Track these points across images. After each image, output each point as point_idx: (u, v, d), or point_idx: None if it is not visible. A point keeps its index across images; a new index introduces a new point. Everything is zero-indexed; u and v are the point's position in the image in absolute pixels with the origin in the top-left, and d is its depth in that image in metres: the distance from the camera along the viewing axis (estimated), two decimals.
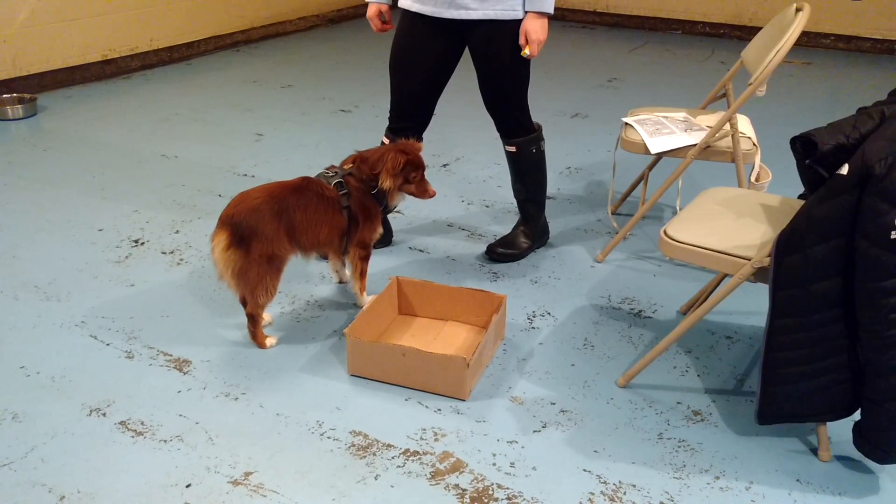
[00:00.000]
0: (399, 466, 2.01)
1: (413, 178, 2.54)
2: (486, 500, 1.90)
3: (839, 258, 1.82)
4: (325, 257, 2.83)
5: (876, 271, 1.76)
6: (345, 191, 2.47)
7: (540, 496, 1.92)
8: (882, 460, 1.92)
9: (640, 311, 2.72)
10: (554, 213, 3.43)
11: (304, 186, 2.43)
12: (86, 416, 2.16)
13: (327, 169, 2.55)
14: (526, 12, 2.59)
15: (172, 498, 1.89)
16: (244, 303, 2.47)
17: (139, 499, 1.89)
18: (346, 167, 2.54)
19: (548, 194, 3.53)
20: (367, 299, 2.69)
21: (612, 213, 3.47)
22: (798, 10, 2.64)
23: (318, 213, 2.42)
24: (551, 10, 2.58)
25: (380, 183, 2.48)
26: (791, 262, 1.87)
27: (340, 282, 2.87)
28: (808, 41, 6.56)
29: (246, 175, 3.80)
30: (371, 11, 2.81)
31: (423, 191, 2.57)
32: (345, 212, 2.47)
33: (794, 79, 5.61)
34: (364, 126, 4.53)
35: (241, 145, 4.21)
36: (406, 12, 2.74)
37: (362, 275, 2.66)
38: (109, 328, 2.57)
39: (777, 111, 4.84)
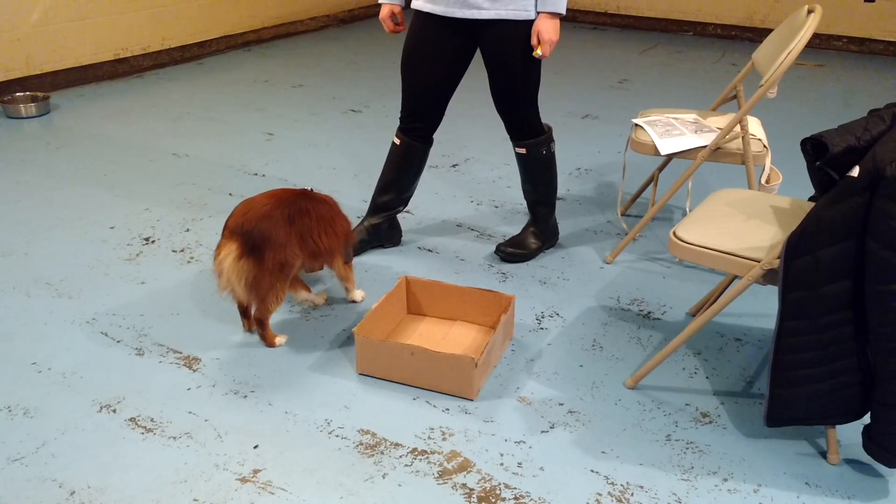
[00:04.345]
0: (407, 465, 2.01)
1: None
2: (493, 500, 1.91)
3: (849, 261, 1.81)
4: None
5: (886, 274, 1.75)
6: None
7: (547, 496, 1.92)
8: (891, 464, 1.91)
9: (650, 313, 2.71)
10: (564, 214, 3.43)
11: (308, 193, 2.47)
12: (96, 413, 2.18)
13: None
14: (538, 13, 2.60)
15: (181, 494, 1.90)
16: (244, 311, 2.49)
17: (148, 495, 1.90)
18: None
19: (558, 195, 3.54)
20: (360, 292, 2.75)
21: (622, 215, 3.46)
22: (810, 11, 2.63)
23: (330, 216, 2.46)
24: (564, 11, 2.58)
25: None
26: (801, 264, 1.87)
27: (315, 306, 2.74)
28: (820, 43, 6.54)
29: (256, 174, 3.81)
30: (384, 13, 2.81)
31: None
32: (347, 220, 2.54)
33: (806, 81, 5.59)
34: (374, 126, 4.54)
35: (251, 144, 4.22)
36: (418, 12, 2.74)
37: (352, 279, 2.70)
38: (120, 325, 2.58)
39: (789, 113, 4.82)
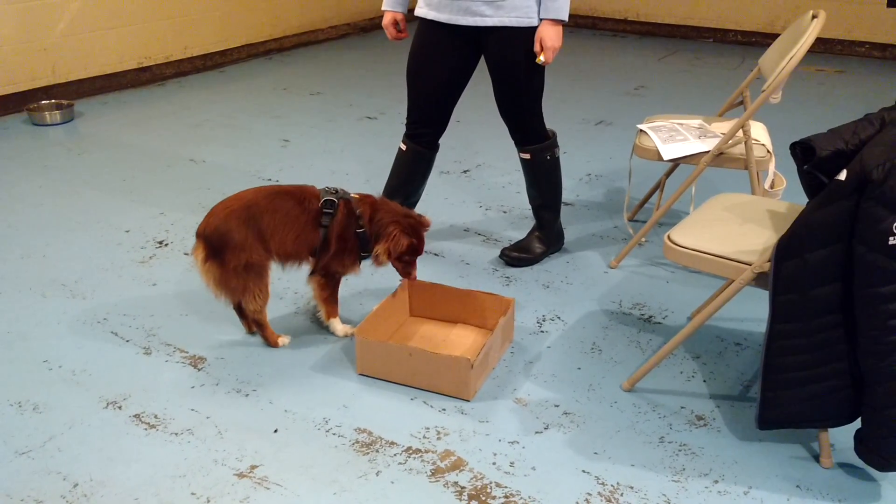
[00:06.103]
0: (401, 463, 2.05)
1: (406, 259, 2.48)
2: (483, 498, 1.93)
3: (838, 264, 1.82)
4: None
5: (874, 277, 1.76)
6: (330, 211, 2.40)
7: (537, 495, 1.94)
8: (882, 468, 1.91)
9: (651, 317, 2.72)
10: (571, 219, 3.45)
11: (284, 192, 2.40)
12: (102, 409, 2.24)
13: (332, 187, 2.48)
14: (541, 19, 2.63)
15: (179, 488, 1.96)
16: (239, 310, 2.55)
17: (147, 488, 1.96)
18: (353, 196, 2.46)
19: (566, 200, 3.57)
20: (340, 328, 2.59)
21: (629, 220, 3.47)
22: (814, 16, 2.63)
23: (289, 220, 2.37)
24: (566, 18, 2.61)
25: (375, 253, 2.44)
26: (790, 267, 1.88)
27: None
28: (843, 49, 6.49)
29: (270, 180, 3.88)
30: (386, 20, 2.87)
31: (407, 273, 2.52)
32: (321, 231, 2.39)
33: (827, 87, 5.55)
34: (389, 132, 4.59)
35: (267, 151, 4.30)
36: (422, 20, 2.79)
37: (325, 301, 2.55)
38: (130, 325, 2.65)
39: (808, 120, 4.80)
